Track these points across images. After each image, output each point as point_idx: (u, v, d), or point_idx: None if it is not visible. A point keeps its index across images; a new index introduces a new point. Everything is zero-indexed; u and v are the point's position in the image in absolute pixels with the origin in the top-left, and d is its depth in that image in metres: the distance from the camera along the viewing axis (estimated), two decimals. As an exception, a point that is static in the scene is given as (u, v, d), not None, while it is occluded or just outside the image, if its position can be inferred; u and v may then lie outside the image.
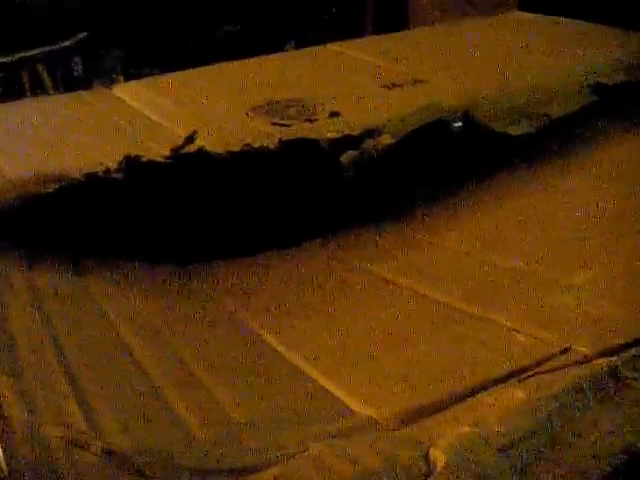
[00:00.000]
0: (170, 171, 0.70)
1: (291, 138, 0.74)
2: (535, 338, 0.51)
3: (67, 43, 2.15)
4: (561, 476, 0.39)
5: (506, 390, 0.44)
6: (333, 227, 0.74)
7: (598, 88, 0.85)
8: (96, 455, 0.37)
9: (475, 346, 0.51)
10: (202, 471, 0.38)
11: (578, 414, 0.42)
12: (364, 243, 0.72)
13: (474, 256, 0.66)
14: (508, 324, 0.53)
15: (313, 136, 0.74)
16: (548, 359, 0.47)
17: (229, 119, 0.81)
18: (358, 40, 1.19)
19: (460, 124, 0.79)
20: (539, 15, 1.17)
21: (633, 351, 0.46)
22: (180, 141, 0.72)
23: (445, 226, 0.72)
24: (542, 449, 0.40)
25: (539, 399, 0.42)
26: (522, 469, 0.39)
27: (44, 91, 2.07)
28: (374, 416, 0.44)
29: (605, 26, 1.06)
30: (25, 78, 2.05)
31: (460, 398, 0.44)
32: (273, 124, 0.77)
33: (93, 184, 0.68)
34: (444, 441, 0.39)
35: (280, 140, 0.73)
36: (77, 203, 0.68)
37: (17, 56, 2.03)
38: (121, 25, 2.44)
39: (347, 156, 0.74)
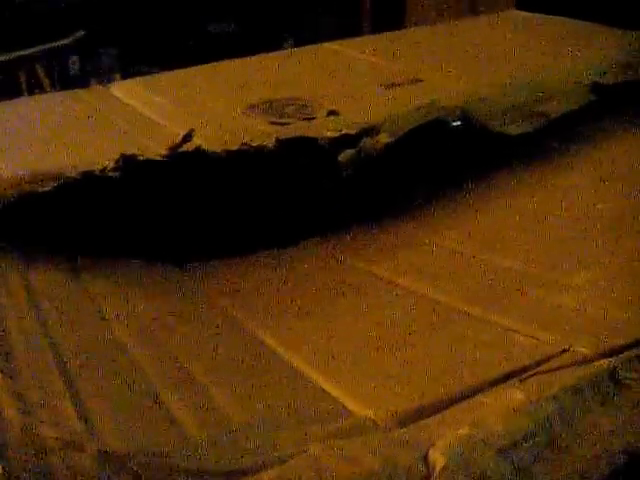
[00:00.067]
0: (167, 170, 0.70)
1: (289, 137, 0.73)
2: (534, 338, 0.51)
3: (64, 42, 2.14)
4: (561, 477, 0.39)
5: (505, 391, 0.44)
6: (331, 226, 0.74)
7: (597, 87, 0.85)
8: (92, 456, 0.37)
9: (474, 346, 0.51)
10: (199, 473, 0.38)
11: (578, 415, 0.42)
12: (362, 242, 0.72)
13: (473, 256, 0.66)
14: (507, 324, 0.53)
15: (311, 135, 0.74)
16: (548, 360, 0.47)
17: (226, 117, 0.81)
18: (356, 39, 1.19)
19: (458, 123, 0.78)
20: (537, 14, 1.17)
21: (633, 352, 0.46)
22: (177, 140, 0.72)
23: (444, 225, 0.72)
24: (542, 450, 0.40)
25: (539, 400, 0.42)
26: (522, 470, 0.39)
27: (41, 90, 2.06)
28: (373, 417, 0.44)
29: (604, 25, 1.06)
30: (22, 77, 2.05)
31: (459, 399, 0.44)
32: (271, 123, 0.77)
33: (89, 182, 0.67)
34: (443, 442, 0.39)
35: (278, 139, 0.72)
36: (73, 202, 0.67)
37: (14, 55, 2.02)
38: (118, 23, 2.44)
39: (345, 155, 0.74)
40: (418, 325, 0.56)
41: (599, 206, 0.69)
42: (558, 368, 0.45)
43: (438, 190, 0.77)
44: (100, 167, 0.68)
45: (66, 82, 2.19)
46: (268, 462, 0.39)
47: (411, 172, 0.77)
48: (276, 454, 0.40)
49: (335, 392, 0.49)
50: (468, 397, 0.44)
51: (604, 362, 0.45)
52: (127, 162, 0.68)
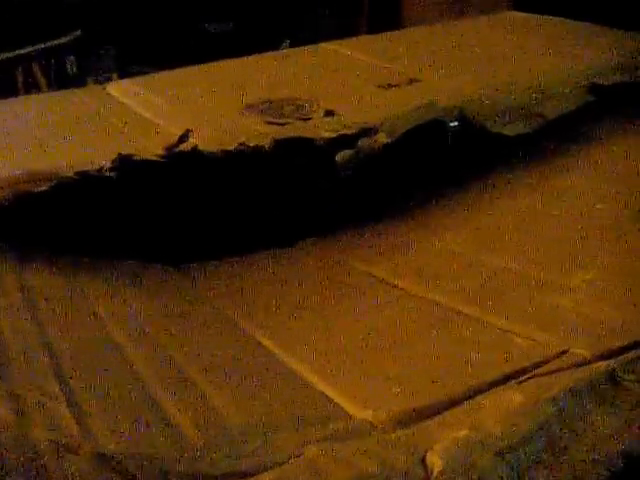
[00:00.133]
0: (164, 170, 0.70)
1: (286, 137, 0.73)
2: (533, 340, 0.50)
3: (61, 41, 2.14)
4: (559, 480, 0.39)
5: (504, 393, 0.43)
6: (329, 227, 0.73)
7: (595, 88, 0.85)
8: (86, 459, 0.37)
9: (473, 348, 0.51)
10: (195, 476, 0.38)
11: (576, 417, 0.41)
12: (360, 243, 0.72)
13: (471, 257, 0.65)
14: (506, 326, 0.53)
15: (308, 135, 0.74)
16: (546, 361, 0.46)
17: (223, 117, 0.80)
18: (353, 39, 1.19)
19: (456, 124, 0.78)
20: (534, 15, 1.17)
21: (632, 354, 0.46)
22: (174, 140, 0.72)
23: (442, 226, 0.72)
24: (540, 453, 0.39)
25: (537, 402, 0.42)
26: (520, 473, 0.38)
27: (38, 89, 2.06)
28: (370, 419, 0.44)
29: (601, 26, 1.06)
30: (19, 76, 2.04)
31: (457, 401, 0.44)
32: (268, 123, 0.77)
33: (86, 183, 0.67)
34: (441, 445, 0.39)
35: (275, 139, 0.72)
36: (70, 202, 0.67)
37: (11, 54, 2.02)
38: (116, 23, 2.44)
39: (343, 155, 0.73)
40: (416, 326, 0.56)
41: (598, 206, 0.69)
42: (557, 370, 0.45)
43: (436, 191, 0.76)
44: (97, 167, 0.68)
45: (63, 81, 2.19)
46: (265, 465, 0.38)
47: (409, 173, 0.77)
48: (273, 457, 0.39)
49: (332, 394, 0.48)
50: (466, 399, 0.44)
51: (603, 364, 0.45)
52: (124, 162, 0.68)
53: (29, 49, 2.05)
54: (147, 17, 2.49)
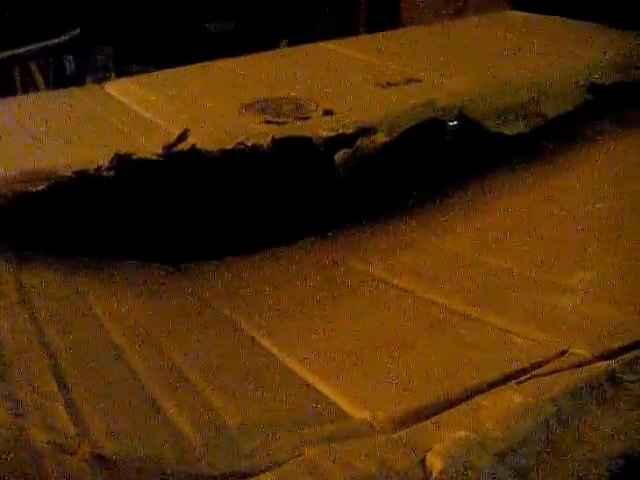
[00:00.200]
0: (162, 169, 0.70)
1: (284, 136, 0.73)
2: (532, 340, 0.50)
3: (59, 40, 2.14)
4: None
5: (504, 393, 0.43)
6: (327, 226, 0.73)
7: (594, 87, 0.84)
8: (84, 460, 0.36)
9: (472, 348, 0.51)
10: (194, 476, 0.38)
11: (576, 418, 0.41)
12: (359, 243, 0.72)
13: (470, 257, 0.65)
14: (505, 326, 0.53)
15: (307, 134, 0.74)
16: (546, 362, 0.46)
17: (222, 117, 0.80)
18: (352, 38, 1.19)
19: (455, 123, 0.78)
20: (533, 14, 1.17)
21: (632, 354, 0.45)
22: (172, 139, 0.72)
23: (441, 226, 0.72)
24: (540, 454, 0.39)
25: (537, 403, 0.42)
26: (520, 474, 0.38)
27: (36, 88, 2.06)
28: (369, 419, 0.44)
29: (600, 25, 1.06)
30: (17, 75, 2.04)
31: (457, 401, 0.44)
32: (266, 122, 0.77)
33: (83, 182, 0.67)
34: (441, 446, 0.39)
35: (273, 138, 0.72)
36: (67, 201, 0.67)
37: (8, 53, 2.02)
38: (114, 22, 2.44)
39: (341, 155, 0.73)
40: (415, 326, 0.56)
41: (597, 206, 0.69)
42: (557, 370, 0.45)
43: (435, 190, 0.76)
44: (94, 166, 0.67)
45: (61, 81, 2.19)
46: (264, 466, 0.38)
47: (408, 172, 0.77)
48: (272, 457, 0.39)
49: (332, 394, 0.48)
50: (466, 399, 0.44)
51: (603, 364, 0.45)
52: (122, 161, 0.68)
53: (27, 48, 2.05)
54: (146, 16, 2.49)
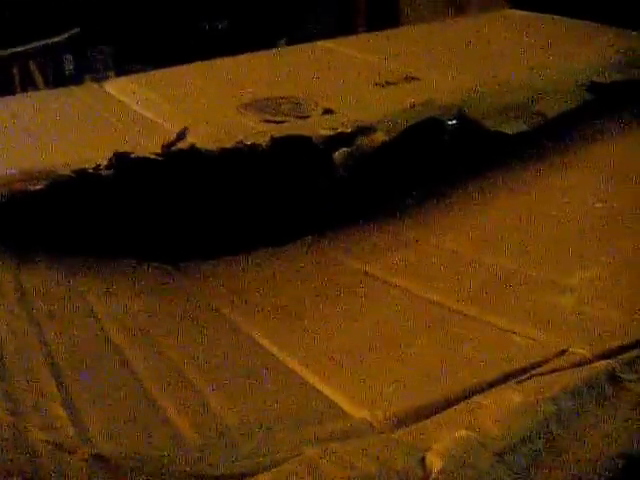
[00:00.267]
0: (161, 168, 0.69)
1: (283, 135, 0.73)
2: (532, 339, 0.50)
3: (59, 39, 2.14)
4: (559, 480, 0.38)
5: (503, 392, 0.43)
6: (326, 225, 0.73)
7: (594, 86, 0.84)
8: (83, 460, 0.36)
9: (471, 347, 0.51)
10: (193, 477, 0.38)
11: (576, 417, 0.41)
12: (357, 242, 0.71)
13: (469, 256, 0.65)
14: (504, 325, 0.53)
15: (306, 133, 0.73)
16: (546, 361, 0.46)
17: (221, 116, 0.80)
18: (351, 37, 1.19)
19: (454, 122, 0.78)
20: (533, 13, 1.17)
21: (632, 353, 0.45)
22: (171, 138, 0.71)
23: (440, 225, 0.72)
24: (540, 453, 0.39)
25: (537, 402, 0.41)
26: (519, 473, 0.38)
27: (35, 87, 2.06)
28: (369, 418, 0.44)
29: (599, 24, 1.06)
30: (16, 74, 2.04)
31: (456, 401, 0.44)
32: (265, 121, 0.77)
33: (82, 181, 0.67)
34: (440, 445, 0.39)
35: (272, 137, 0.72)
36: (66, 200, 0.67)
37: (7, 52, 2.02)
38: (113, 21, 2.44)
39: (340, 153, 0.73)
40: (415, 325, 0.56)
41: (597, 205, 0.69)
42: (556, 369, 0.45)
43: (434, 189, 0.76)
44: (93, 165, 0.67)
45: (60, 79, 2.19)
46: (263, 465, 0.38)
47: (407, 171, 0.77)
48: (271, 457, 0.39)
49: (330, 393, 0.48)
50: (465, 399, 0.44)
51: (602, 363, 0.45)
52: (120, 160, 0.68)
53: (26, 47, 2.05)
54: (145, 16, 2.49)
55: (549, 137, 0.81)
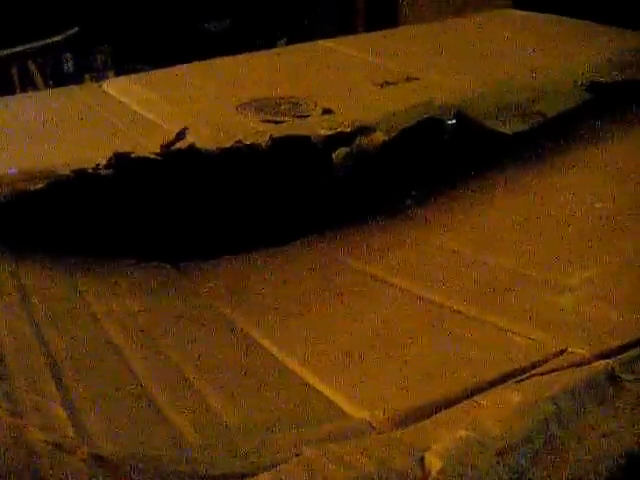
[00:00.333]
0: (160, 168, 0.69)
1: (283, 135, 0.73)
2: (532, 339, 0.50)
3: (58, 38, 2.14)
4: (558, 480, 0.38)
5: (503, 392, 0.43)
6: (325, 225, 0.73)
7: (594, 86, 0.84)
8: (83, 460, 0.36)
9: (471, 347, 0.51)
10: (193, 477, 0.38)
11: (576, 417, 0.41)
12: (357, 242, 0.71)
13: (469, 256, 0.65)
14: (504, 325, 0.53)
15: (305, 133, 0.73)
16: (545, 361, 0.46)
17: (220, 115, 0.80)
18: (350, 37, 1.19)
19: (453, 122, 0.78)
20: (533, 13, 1.17)
21: (631, 353, 0.45)
22: (171, 137, 0.71)
23: (439, 225, 0.72)
24: (539, 453, 0.39)
25: (536, 402, 0.41)
26: (519, 473, 0.38)
27: (34, 87, 2.06)
28: (368, 418, 0.44)
29: (599, 24, 1.06)
30: (15, 73, 2.04)
31: (456, 400, 0.44)
32: (265, 121, 0.77)
33: (82, 181, 0.67)
34: (440, 445, 0.38)
35: (272, 137, 0.72)
36: (66, 200, 0.67)
37: (7, 51, 2.02)
38: (112, 21, 2.44)
39: (340, 153, 0.73)
40: (414, 325, 0.56)
41: (597, 205, 0.69)
42: (556, 369, 0.45)
43: (434, 189, 0.76)
44: (93, 165, 0.67)
45: (59, 79, 2.19)
46: (263, 465, 0.38)
47: (406, 171, 0.77)
48: (271, 457, 0.39)
49: (330, 393, 0.48)
50: (465, 398, 0.44)
51: (602, 363, 0.45)
52: (120, 160, 0.68)
53: (26, 46, 2.05)
54: (144, 15, 2.49)
55: (549, 137, 0.81)
